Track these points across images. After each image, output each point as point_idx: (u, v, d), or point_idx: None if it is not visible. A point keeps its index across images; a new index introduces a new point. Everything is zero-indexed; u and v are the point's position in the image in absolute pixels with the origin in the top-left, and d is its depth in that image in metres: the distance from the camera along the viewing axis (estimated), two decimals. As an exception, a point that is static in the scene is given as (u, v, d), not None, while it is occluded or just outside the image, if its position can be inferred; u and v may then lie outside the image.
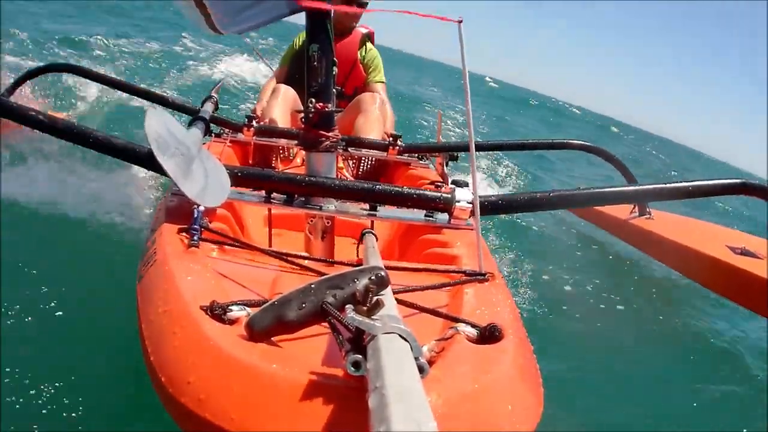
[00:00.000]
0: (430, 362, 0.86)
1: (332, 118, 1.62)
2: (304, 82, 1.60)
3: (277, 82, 3.40)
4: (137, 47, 9.17)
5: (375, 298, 0.77)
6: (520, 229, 4.16)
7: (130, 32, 10.48)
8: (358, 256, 1.38)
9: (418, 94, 13.57)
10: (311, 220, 1.62)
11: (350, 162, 3.14)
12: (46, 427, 1.50)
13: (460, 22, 1.27)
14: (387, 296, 0.84)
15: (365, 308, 0.75)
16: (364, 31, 3.49)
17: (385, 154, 2.94)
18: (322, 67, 1.57)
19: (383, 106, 3.26)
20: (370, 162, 3.11)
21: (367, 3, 3.32)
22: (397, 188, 1.67)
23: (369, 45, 3.53)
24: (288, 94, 3.16)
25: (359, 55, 3.48)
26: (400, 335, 0.70)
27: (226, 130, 2.95)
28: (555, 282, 3.23)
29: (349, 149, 2.89)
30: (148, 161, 1.51)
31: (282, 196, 1.62)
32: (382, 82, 3.53)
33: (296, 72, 3.40)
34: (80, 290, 2.10)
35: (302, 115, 1.61)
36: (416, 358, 0.69)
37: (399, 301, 1.00)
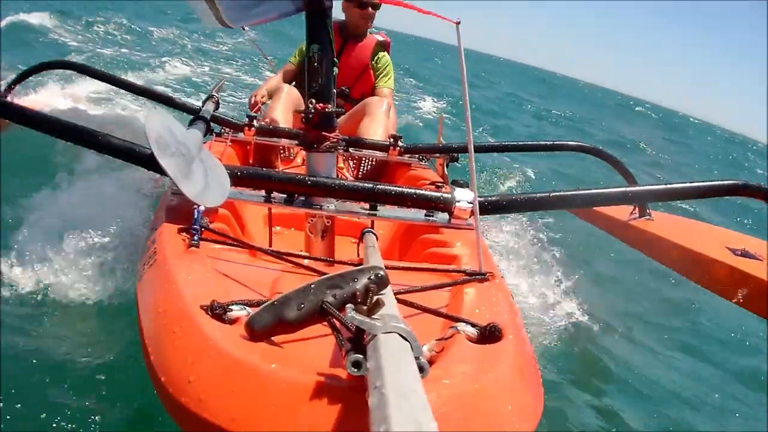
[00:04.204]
0: (431, 362, 0.86)
1: (332, 118, 1.62)
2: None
3: (284, 78, 3.40)
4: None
5: (375, 297, 0.77)
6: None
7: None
8: (358, 255, 1.37)
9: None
10: (311, 220, 1.62)
11: (351, 163, 3.14)
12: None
13: (458, 23, 1.27)
14: (387, 296, 0.84)
15: (365, 308, 0.75)
16: (381, 38, 3.48)
17: (385, 154, 2.94)
18: (322, 68, 1.58)
19: (389, 110, 3.26)
20: (370, 163, 3.11)
21: (379, 6, 3.32)
22: (397, 188, 1.67)
23: (383, 53, 3.53)
24: (291, 94, 3.15)
25: (371, 61, 3.48)
26: (400, 335, 0.70)
27: (227, 130, 2.95)
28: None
29: (350, 150, 2.89)
30: (149, 161, 1.50)
31: (282, 195, 1.62)
32: (390, 88, 3.53)
33: (302, 72, 3.40)
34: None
35: (303, 115, 1.62)
36: (416, 358, 0.69)
37: (399, 301, 1.00)
